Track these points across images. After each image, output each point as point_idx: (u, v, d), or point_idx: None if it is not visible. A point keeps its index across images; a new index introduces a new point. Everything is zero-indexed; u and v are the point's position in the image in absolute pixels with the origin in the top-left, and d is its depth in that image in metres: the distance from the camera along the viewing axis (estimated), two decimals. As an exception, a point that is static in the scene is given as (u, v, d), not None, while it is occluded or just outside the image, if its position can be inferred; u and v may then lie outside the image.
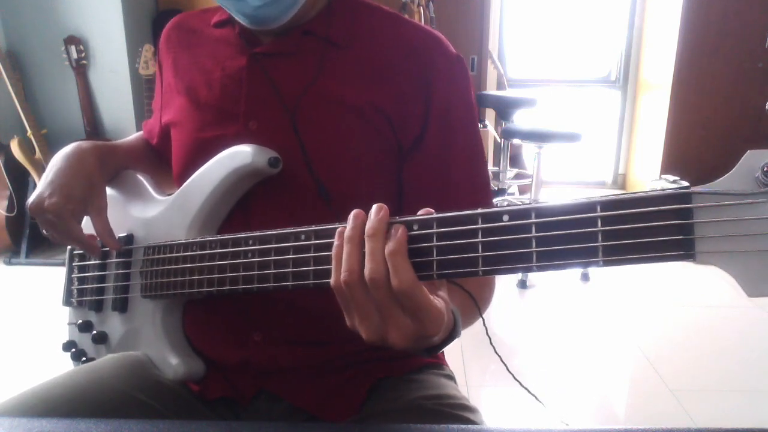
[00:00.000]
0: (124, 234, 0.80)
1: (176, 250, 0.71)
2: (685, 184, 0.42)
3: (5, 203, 2.95)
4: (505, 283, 2.75)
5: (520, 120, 3.42)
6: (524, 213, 0.45)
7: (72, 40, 3.06)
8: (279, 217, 0.66)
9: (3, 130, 3.01)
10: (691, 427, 0.66)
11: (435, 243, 0.48)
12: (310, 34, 0.74)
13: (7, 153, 2.92)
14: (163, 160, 0.92)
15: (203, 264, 0.67)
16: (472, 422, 0.69)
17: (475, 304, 0.63)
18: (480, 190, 0.77)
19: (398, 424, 0.57)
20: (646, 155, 4.25)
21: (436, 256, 0.48)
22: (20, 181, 2.99)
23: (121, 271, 0.80)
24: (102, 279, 0.82)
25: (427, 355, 0.56)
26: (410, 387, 0.74)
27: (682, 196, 0.40)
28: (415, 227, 0.49)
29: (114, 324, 0.81)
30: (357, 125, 0.72)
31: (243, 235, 0.63)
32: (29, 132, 2.89)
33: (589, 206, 0.42)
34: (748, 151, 0.38)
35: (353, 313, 0.50)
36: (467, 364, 2.02)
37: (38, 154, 2.92)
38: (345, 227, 0.51)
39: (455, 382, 0.81)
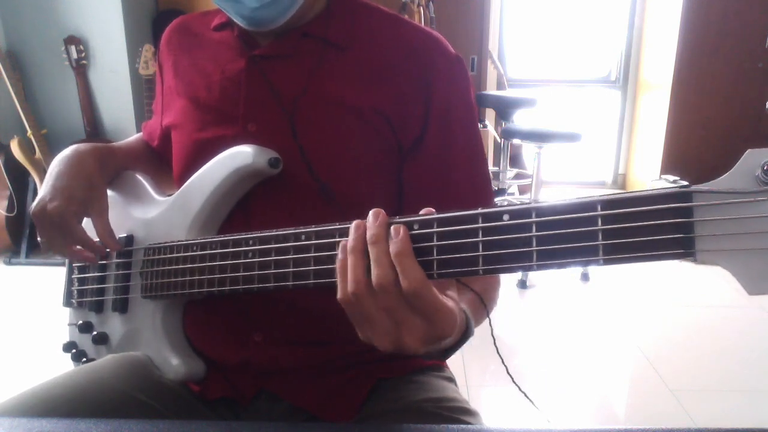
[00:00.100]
0: (125, 235, 0.80)
1: (176, 250, 0.71)
2: (685, 183, 0.42)
3: (5, 203, 2.95)
4: (505, 283, 2.75)
5: (520, 120, 3.42)
6: (525, 212, 0.45)
7: (72, 40, 3.06)
8: (279, 218, 0.66)
9: (3, 130, 3.01)
10: (691, 427, 0.66)
11: (435, 242, 0.48)
12: (308, 36, 0.74)
13: (7, 153, 2.92)
14: (163, 162, 0.92)
15: (203, 264, 0.67)
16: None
17: (483, 305, 0.63)
18: (480, 189, 0.77)
19: (398, 425, 0.57)
20: (646, 155, 4.25)
21: (437, 255, 0.48)
22: (20, 181, 2.99)
23: (121, 272, 0.80)
24: (102, 280, 0.82)
25: (442, 358, 0.55)
26: (410, 388, 0.74)
27: (682, 195, 0.40)
28: (416, 227, 0.49)
29: (114, 325, 0.81)
30: (356, 126, 0.72)
31: (243, 235, 0.63)
32: (29, 132, 2.89)
33: (590, 205, 0.42)
34: (748, 150, 0.38)
35: (364, 324, 0.49)
36: (467, 364, 2.02)
37: (38, 154, 2.92)
38: (346, 240, 0.50)
39: (456, 384, 0.81)
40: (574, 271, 2.88)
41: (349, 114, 0.72)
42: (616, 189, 4.58)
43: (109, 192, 0.84)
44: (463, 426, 0.57)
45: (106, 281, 0.82)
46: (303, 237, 0.56)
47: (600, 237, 0.42)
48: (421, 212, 0.50)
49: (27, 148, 2.89)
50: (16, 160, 2.89)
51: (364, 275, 0.48)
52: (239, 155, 0.70)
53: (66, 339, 0.89)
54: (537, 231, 0.44)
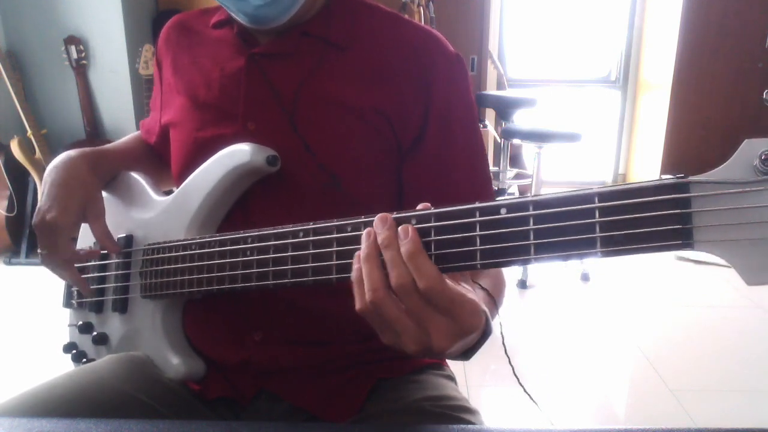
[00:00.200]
0: (124, 235, 0.80)
1: (175, 250, 0.71)
2: (682, 174, 0.42)
3: (5, 203, 2.95)
4: (506, 283, 2.75)
5: (520, 120, 3.42)
6: (522, 205, 0.45)
7: (72, 40, 3.06)
8: (278, 216, 0.66)
9: (3, 130, 3.01)
10: (691, 427, 0.66)
11: (433, 237, 0.48)
12: (308, 35, 0.74)
13: (7, 153, 2.92)
14: (161, 160, 0.92)
15: (202, 263, 0.67)
16: (472, 424, 0.69)
17: (494, 304, 0.63)
18: (481, 189, 0.77)
19: (398, 424, 0.57)
20: (646, 155, 4.25)
21: (435, 250, 0.48)
22: (20, 181, 2.99)
23: (120, 272, 0.80)
24: (102, 280, 0.82)
25: (465, 359, 0.55)
26: (410, 388, 0.74)
27: (680, 186, 0.40)
28: (413, 222, 0.49)
29: (114, 325, 0.81)
30: (357, 126, 0.72)
31: (242, 233, 0.63)
32: (29, 132, 2.89)
33: (587, 197, 0.42)
34: (746, 140, 0.38)
35: (388, 331, 0.48)
36: (467, 364, 2.02)
37: (38, 154, 2.92)
38: (360, 248, 0.49)
39: (455, 382, 0.81)
40: (574, 271, 2.88)
41: (349, 113, 0.72)
42: (616, 189, 4.56)
43: (107, 193, 0.85)
44: (463, 426, 0.57)
45: (105, 281, 0.82)
46: (301, 234, 0.56)
47: (598, 229, 0.42)
48: (418, 207, 0.50)
49: (27, 148, 2.89)
50: (16, 160, 2.89)
51: (381, 281, 0.47)
52: (237, 153, 0.70)
53: (66, 340, 0.89)
54: (534, 224, 0.44)
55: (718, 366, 2.06)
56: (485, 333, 0.54)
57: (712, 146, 3.93)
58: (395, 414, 0.70)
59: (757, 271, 0.38)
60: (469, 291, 0.50)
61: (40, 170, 2.92)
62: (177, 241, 0.71)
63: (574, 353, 2.18)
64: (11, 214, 2.97)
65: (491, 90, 4.21)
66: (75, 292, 0.88)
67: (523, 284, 2.74)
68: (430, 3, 3.61)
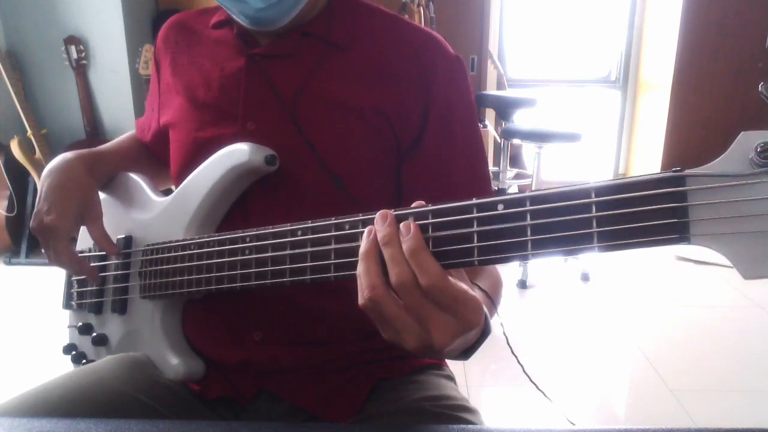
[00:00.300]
0: (123, 236, 0.80)
1: (174, 250, 0.71)
2: (678, 168, 0.42)
3: (5, 203, 2.95)
4: (505, 283, 2.74)
5: (520, 120, 3.42)
6: (519, 201, 0.45)
7: (72, 40, 3.07)
8: (278, 216, 0.66)
9: (3, 130, 3.01)
10: (691, 427, 0.66)
11: (431, 234, 0.48)
12: (309, 36, 0.74)
13: (7, 153, 2.92)
14: (157, 159, 0.92)
15: (201, 263, 0.67)
16: (472, 423, 0.69)
17: (492, 304, 0.63)
18: (480, 189, 0.77)
19: (398, 424, 0.57)
20: (646, 155, 4.25)
21: (432, 247, 0.48)
22: (20, 181, 2.99)
23: (120, 273, 0.80)
24: (101, 281, 0.82)
25: (464, 358, 0.55)
26: (410, 388, 0.74)
27: (676, 180, 0.39)
28: (411, 219, 0.49)
29: (114, 326, 0.81)
30: (357, 126, 0.72)
31: (240, 233, 0.63)
32: (29, 132, 2.89)
33: (584, 192, 0.42)
34: (742, 133, 0.38)
35: (388, 327, 0.48)
36: (467, 364, 2.02)
37: (38, 154, 2.92)
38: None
39: (455, 382, 0.81)
40: (574, 271, 2.88)
41: (350, 114, 0.72)
42: (616, 189, 4.56)
43: (106, 194, 0.85)
44: (463, 426, 0.57)
45: (105, 282, 0.82)
46: (299, 233, 0.56)
47: (595, 224, 0.41)
48: (413, 205, 0.50)
49: (27, 148, 2.89)
50: (16, 160, 2.89)
51: (379, 279, 0.47)
52: (236, 153, 0.70)
53: (66, 341, 0.89)
54: (531, 219, 0.44)
55: (718, 366, 2.06)
56: (484, 332, 0.54)
57: (712, 146, 3.92)
58: (395, 414, 0.70)
59: (754, 265, 0.37)
60: (470, 289, 0.49)
61: (40, 170, 2.91)
62: (176, 241, 0.71)
63: (574, 353, 2.18)
64: (11, 214, 2.97)
65: (491, 90, 4.21)
66: (75, 294, 0.88)
67: (523, 284, 2.74)
68: (430, 3, 3.61)
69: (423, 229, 0.48)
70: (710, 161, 0.38)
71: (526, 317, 2.48)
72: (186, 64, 0.81)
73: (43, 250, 0.78)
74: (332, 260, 0.54)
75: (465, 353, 0.54)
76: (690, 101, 3.90)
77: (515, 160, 4.06)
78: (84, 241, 0.87)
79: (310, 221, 0.56)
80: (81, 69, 3.12)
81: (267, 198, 0.73)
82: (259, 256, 0.60)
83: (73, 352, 0.87)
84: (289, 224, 0.58)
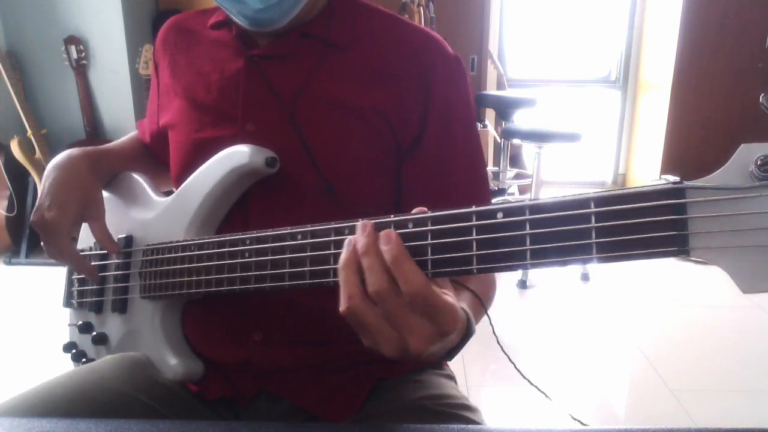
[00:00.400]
0: (124, 235, 0.80)
1: (174, 250, 0.71)
2: (678, 179, 0.41)
3: (5, 203, 2.95)
4: (505, 283, 2.75)
5: (520, 120, 3.42)
6: (518, 210, 0.45)
7: (72, 40, 3.07)
8: (278, 218, 0.66)
9: (3, 130, 3.01)
10: (691, 427, 0.66)
11: (429, 241, 0.48)
12: (308, 36, 0.74)
13: (7, 153, 2.92)
14: (157, 160, 0.92)
15: (201, 264, 0.67)
16: (473, 421, 0.69)
17: (481, 304, 0.63)
18: (479, 190, 0.77)
19: (398, 424, 0.57)
20: (646, 155, 4.25)
21: (431, 255, 0.48)
22: (20, 181, 2.99)
23: (120, 272, 0.80)
24: (102, 280, 0.83)
25: (447, 359, 0.55)
26: (410, 387, 0.74)
27: (675, 192, 0.39)
28: (410, 225, 0.49)
29: (114, 325, 0.81)
30: (357, 126, 0.72)
31: (240, 235, 0.63)
32: (29, 132, 2.89)
33: (583, 203, 0.42)
34: (742, 145, 0.38)
35: (366, 336, 0.49)
36: (467, 364, 2.02)
37: (38, 154, 2.92)
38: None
39: (455, 381, 0.82)
40: (574, 271, 2.88)
41: (349, 114, 0.72)
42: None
43: (108, 193, 0.85)
44: (463, 426, 0.57)
45: (105, 282, 0.82)
46: (299, 236, 0.56)
47: (594, 235, 0.41)
48: (413, 211, 0.50)
49: (27, 148, 2.89)
50: (16, 160, 2.89)
51: (357, 288, 0.48)
52: (236, 155, 0.70)
53: (66, 339, 0.89)
54: (531, 229, 0.44)
55: (718, 366, 2.06)
56: (467, 334, 0.54)
57: (712, 146, 3.93)
58: (395, 413, 0.70)
59: (753, 279, 0.37)
60: (448, 294, 0.50)
61: (40, 170, 2.92)
62: (176, 242, 0.71)
63: (573, 353, 2.18)
64: (11, 214, 2.97)
65: (491, 90, 4.21)
66: (75, 292, 0.88)
67: (523, 284, 2.74)
68: (430, 3, 3.61)
69: (422, 236, 0.48)
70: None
71: (526, 317, 2.48)
72: (185, 66, 0.81)
73: (42, 244, 0.77)
74: (331, 265, 0.54)
75: (448, 354, 0.54)
76: (690, 101, 3.90)
77: (515, 160, 4.06)
78: (85, 240, 0.87)
79: (309, 225, 0.56)
80: (81, 69, 3.12)
81: (267, 199, 0.73)
82: (258, 259, 0.60)
83: (73, 351, 0.87)
84: (289, 228, 0.58)
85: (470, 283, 0.62)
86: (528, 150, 3.97)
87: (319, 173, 0.71)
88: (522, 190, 4.01)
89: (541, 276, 2.83)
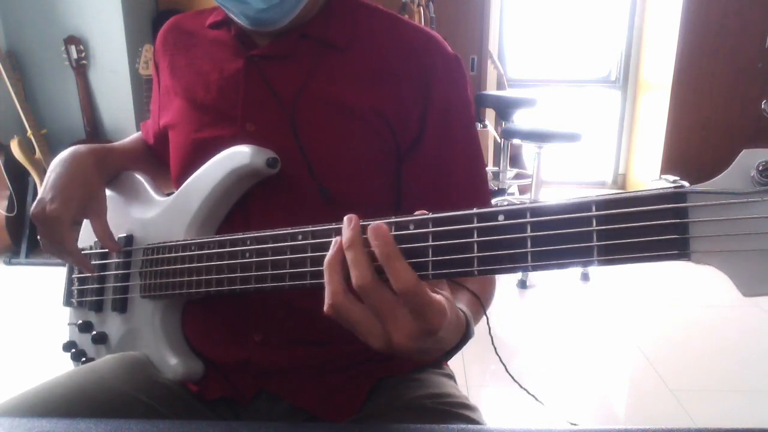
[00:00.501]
0: (124, 235, 0.80)
1: (175, 250, 0.71)
2: (681, 183, 0.42)
3: (5, 203, 2.95)
4: (505, 283, 2.75)
5: (520, 120, 3.42)
6: (520, 212, 0.45)
7: (72, 40, 3.07)
8: (278, 218, 0.66)
9: (3, 130, 3.01)
10: (691, 427, 0.66)
11: (431, 243, 0.48)
12: (307, 37, 0.74)
13: (7, 153, 2.92)
14: (161, 161, 0.92)
15: (201, 264, 0.67)
16: (473, 420, 0.69)
17: (480, 304, 0.63)
18: (479, 190, 0.77)
19: (398, 424, 0.57)
20: (646, 155, 4.25)
21: (432, 256, 0.48)
22: (20, 181, 2.99)
23: (120, 272, 0.80)
24: (102, 279, 0.83)
25: (445, 359, 0.55)
26: (410, 386, 0.74)
27: (677, 196, 0.39)
28: (411, 227, 0.49)
29: (114, 324, 0.81)
30: (356, 127, 0.72)
31: (240, 235, 0.63)
32: (29, 132, 2.89)
33: (585, 206, 0.42)
34: (744, 150, 0.38)
35: (355, 329, 0.49)
36: (467, 364, 2.02)
37: (38, 154, 2.92)
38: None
39: (455, 381, 0.82)
40: (574, 271, 2.88)
41: (349, 115, 0.72)
42: (616, 189, 4.58)
43: (109, 192, 0.85)
44: (463, 426, 0.57)
45: (105, 281, 0.82)
46: (300, 237, 0.56)
47: (595, 238, 0.42)
48: (415, 213, 0.50)
49: (27, 148, 2.89)
50: (16, 160, 2.89)
51: (340, 286, 0.48)
52: (237, 155, 0.70)
53: (66, 339, 0.89)
54: (532, 231, 0.44)
55: (718, 366, 2.06)
56: (466, 336, 0.54)
57: (712, 146, 3.93)
58: (395, 412, 0.70)
59: (754, 283, 0.38)
60: (441, 296, 0.49)
61: (40, 170, 2.92)
62: (176, 241, 0.71)
63: (574, 353, 2.18)
64: (11, 214, 2.97)
65: (491, 90, 4.21)
66: (75, 291, 0.88)
67: (523, 284, 2.74)
68: (430, 3, 3.61)
69: (423, 237, 0.48)
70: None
71: (526, 317, 2.48)
72: (184, 66, 0.81)
73: (39, 238, 0.77)
74: None
75: (446, 354, 0.54)
76: (690, 101, 3.90)
77: (515, 160, 4.06)
78: (85, 239, 0.87)
79: (310, 226, 0.56)
80: (81, 69, 3.12)
81: (268, 200, 0.73)
82: (259, 259, 0.60)
83: (73, 350, 0.87)
84: (289, 228, 0.58)
85: (469, 282, 0.62)
86: (528, 150, 3.97)
87: (314, 177, 0.70)
88: (522, 190, 4.01)
89: (541, 276, 2.83)
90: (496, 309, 0.69)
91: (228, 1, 0.69)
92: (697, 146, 3.95)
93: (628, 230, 0.41)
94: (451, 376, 0.82)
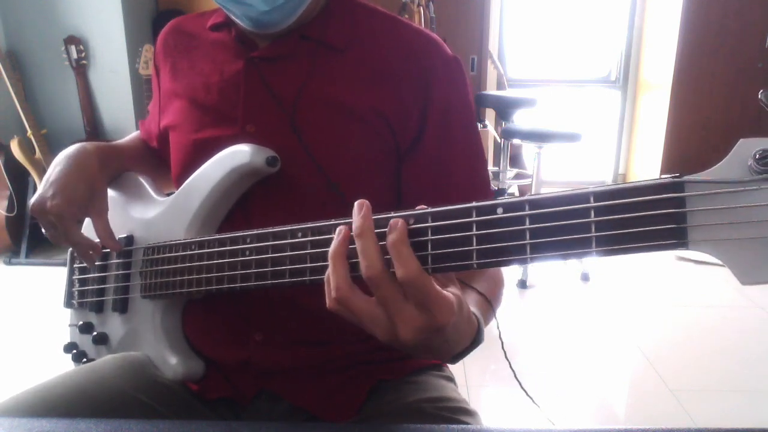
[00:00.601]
0: (125, 235, 0.80)
1: (175, 249, 0.71)
2: (677, 174, 0.42)
3: (5, 203, 2.95)
4: (505, 283, 2.75)
5: (520, 120, 3.42)
6: (518, 205, 0.45)
7: (72, 40, 3.07)
8: (278, 217, 0.66)
9: (3, 130, 3.01)
10: (691, 427, 0.66)
11: (430, 237, 0.48)
12: (307, 38, 0.74)
13: (7, 153, 2.92)
14: (162, 162, 0.92)
15: (201, 263, 0.67)
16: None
17: (490, 306, 0.62)
18: (479, 191, 0.77)
19: (398, 425, 0.57)
20: (646, 155, 4.25)
21: (431, 250, 0.48)
22: (20, 181, 2.99)
23: (121, 272, 0.80)
24: (102, 280, 0.83)
25: (452, 362, 0.55)
26: (410, 389, 0.74)
27: (674, 185, 0.40)
28: (411, 221, 0.49)
29: (114, 325, 0.81)
30: (356, 127, 0.72)
31: (240, 233, 0.63)
32: (29, 132, 2.89)
33: (583, 197, 0.42)
34: (741, 140, 0.38)
35: (360, 321, 0.49)
36: (467, 364, 2.02)
37: (38, 154, 2.92)
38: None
39: (455, 383, 0.81)
40: (574, 271, 2.88)
41: (349, 115, 0.72)
42: (616, 189, 4.56)
43: (110, 192, 0.85)
44: (463, 426, 0.57)
45: (106, 281, 0.82)
46: (300, 234, 0.57)
47: (593, 229, 0.42)
48: (415, 208, 0.50)
49: (27, 148, 2.89)
50: (16, 160, 2.89)
51: (344, 278, 0.48)
52: (237, 154, 0.70)
53: (66, 339, 0.89)
54: (531, 224, 0.44)
55: (718, 366, 2.06)
56: (476, 340, 0.54)
57: (712, 146, 3.93)
58: (394, 415, 0.70)
59: (752, 271, 0.38)
60: (452, 290, 0.49)
61: (40, 170, 2.92)
62: (177, 240, 0.71)
63: (574, 353, 2.18)
64: (11, 214, 2.97)
65: (491, 90, 4.21)
66: (76, 292, 0.88)
67: (523, 284, 2.74)
68: (430, 3, 3.61)
69: (422, 232, 0.48)
70: (710, 161, 0.39)
71: (526, 317, 2.48)
72: (186, 69, 0.81)
73: (43, 230, 0.77)
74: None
75: (453, 358, 0.54)
76: (690, 101, 3.90)
77: (515, 160, 4.06)
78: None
79: (310, 223, 0.56)
80: (81, 69, 3.12)
81: (268, 199, 0.73)
82: (259, 257, 0.60)
83: (74, 351, 0.87)
84: (289, 225, 0.58)
85: (477, 283, 0.62)
86: (528, 150, 3.97)
87: (322, 172, 0.70)
88: (522, 190, 4.01)
89: (541, 276, 2.83)
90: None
91: (230, 3, 0.69)
92: (697, 146, 3.95)
93: (627, 220, 0.41)
94: (451, 379, 0.82)
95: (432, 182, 0.74)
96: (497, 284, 0.73)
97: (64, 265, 0.89)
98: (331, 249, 0.49)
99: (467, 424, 0.69)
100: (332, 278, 0.48)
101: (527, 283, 2.74)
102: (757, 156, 0.37)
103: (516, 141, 3.45)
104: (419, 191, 0.75)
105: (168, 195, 0.81)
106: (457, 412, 0.71)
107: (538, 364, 2.09)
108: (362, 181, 0.73)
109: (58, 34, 3.08)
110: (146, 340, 0.77)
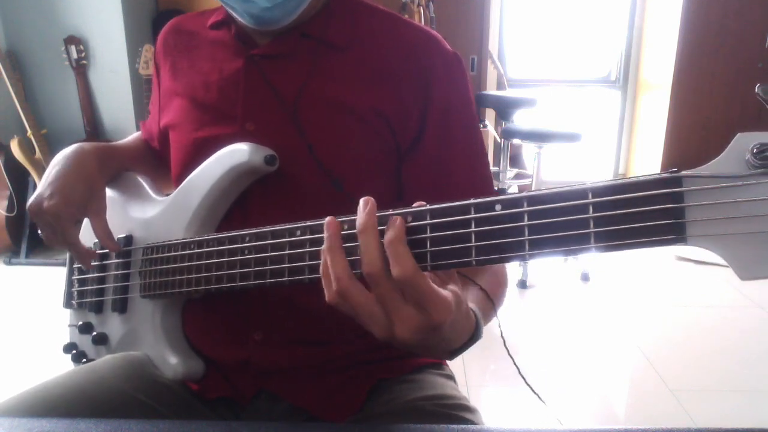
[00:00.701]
0: (124, 235, 0.80)
1: (174, 249, 0.71)
2: (675, 169, 0.42)
3: (5, 203, 2.95)
4: (508, 283, 2.75)
5: (520, 120, 3.42)
6: (517, 202, 0.45)
7: (72, 40, 3.07)
8: (277, 216, 0.66)
9: (3, 130, 3.01)
10: (691, 427, 0.66)
11: (428, 234, 0.48)
12: (307, 36, 0.74)
13: (7, 153, 2.92)
14: (162, 162, 0.92)
15: (200, 262, 0.67)
16: (471, 423, 0.69)
17: (490, 302, 0.62)
18: (480, 190, 0.77)
19: (398, 424, 0.57)
20: (646, 155, 4.25)
21: (430, 247, 0.48)
22: (20, 181, 2.99)
23: (120, 272, 0.80)
24: (102, 280, 0.83)
25: (449, 358, 0.55)
26: (410, 387, 0.74)
27: (672, 181, 0.39)
28: (409, 219, 0.49)
29: (114, 325, 0.81)
30: (356, 126, 0.72)
31: (239, 232, 0.63)
32: (29, 132, 2.89)
33: (581, 193, 0.42)
34: (738, 134, 0.38)
35: (359, 317, 0.49)
36: (467, 363, 2.02)
37: (38, 154, 2.92)
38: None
39: (455, 381, 0.81)
40: (574, 271, 2.88)
41: (349, 114, 0.72)
42: (616, 189, 4.56)
43: (109, 192, 0.85)
44: (463, 426, 0.57)
45: (105, 281, 0.82)
46: (298, 232, 0.57)
47: (592, 225, 0.42)
48: (414, 205, 0.50)
49: (27, 148, 2.89)
50: (16, 160, 2.89)
51: (345, 270, 0.48)
52: (235, 153, 0.70)
53: (66, 340, 0.89)
54: (529, 220, 0.44)
55: (718, 366, 2.06)
56: (474, 336, 0.53)
57: (712, 146, 3.92)
58: (394, 413, 0.70)
59: (751, 265, 0.37)
60: (449, 292, 0.49)
61: (40, 170, 2.92)
62: (176, 240, 0.71)
63: (574, 353, 2.18)
64: (11, 214, 2.97)
65: (491, 90, 4.21)
66: (75, 293, 0.88)
67: (523, 284, 2.74)
68: (430, 3, 3.61)
69: (421, 229, 0.48)
70: (710, 161, 0.38)
71: (526, 317, 2.48)
72: (186, 68, 0.81)
73: (39, 231, 0.77)
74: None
75: (451, 353, 0.54)
76: (690, 101, 3.90)
77: (515, 160, 4.06)
78: (85, 239, 0.87)
79: (309, 221, 0.56)
80: (81, 69, 3.12)
81: (267, 198, 0.73)
82: (258, 255, 0.60)
83: (74, 351, 0.87)
84: (287, 224, 0.58)
85: (480, 278, 0.62)
86: (528, 150, 3.97)
87: (323, 170, 0.70)
88: (522, 190, 4.01)
89: (541, 276, 2.83)
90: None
91: None
92: (697, 146, 3.95)
93: (625, 216, 0.41)
94: (450, 377, 0.82)
95: (432, 182, 0.74)
96: (500, 281, 0.73)
97: (63, 265, 0.89)
98: (325, 244, 0.49)
99: (468, 420, 0.69)
100: (332, 270, 0.48)
101: (527, 283, 2.74)
102: (755, 150, 0.37)
103: (516, 141, 3.45)
104: (419, 191, 0.74)
105: (167, 195, 0.81)
106: (457, 409, 0.70)
107: (538, 364, 2.09)
108: (362, 180, 0.73)
109: (58, 34, 3.07)
110: (146, 340, 0.77)
